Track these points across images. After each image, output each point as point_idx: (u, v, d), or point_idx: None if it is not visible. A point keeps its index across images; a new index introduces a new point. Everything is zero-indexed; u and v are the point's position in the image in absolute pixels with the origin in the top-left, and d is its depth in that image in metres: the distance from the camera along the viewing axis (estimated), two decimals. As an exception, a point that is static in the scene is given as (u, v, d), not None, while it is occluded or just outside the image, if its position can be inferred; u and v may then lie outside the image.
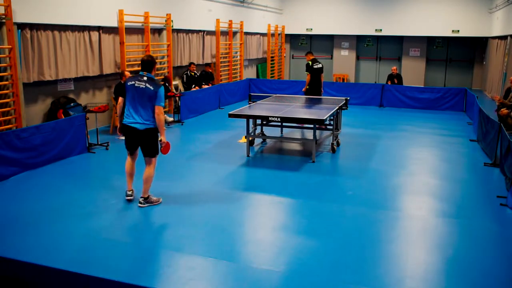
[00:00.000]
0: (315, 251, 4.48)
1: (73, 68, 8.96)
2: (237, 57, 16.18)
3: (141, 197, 5.53)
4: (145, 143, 5.43)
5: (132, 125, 5.36)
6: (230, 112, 7.88)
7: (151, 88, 5.26)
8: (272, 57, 19.29)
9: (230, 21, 15.14)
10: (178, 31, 12.40)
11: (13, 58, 7.47)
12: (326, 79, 20.14)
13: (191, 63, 12.69)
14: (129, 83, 5.39)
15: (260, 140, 9.08)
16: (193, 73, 12.68)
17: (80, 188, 6.21)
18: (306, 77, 10.43)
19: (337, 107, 8.50)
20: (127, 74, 9.40)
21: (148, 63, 5.41)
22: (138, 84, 5.31)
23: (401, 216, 5.48)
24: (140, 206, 5.48)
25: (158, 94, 5.26)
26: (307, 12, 20.12)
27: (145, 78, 5.34)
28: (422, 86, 16.81)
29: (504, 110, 9.66)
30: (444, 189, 6.47)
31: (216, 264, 4.19)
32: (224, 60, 15.19)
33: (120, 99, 5.84)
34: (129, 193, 5.67)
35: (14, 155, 6.53)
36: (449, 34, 18.61)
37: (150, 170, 5.50)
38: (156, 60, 11.41)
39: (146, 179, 5.47)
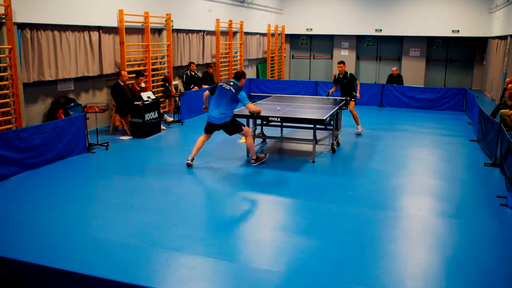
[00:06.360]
0: (315, 251, 4.47)
1: (73, 68, 8.95)
2: (237, 57, 16.17)
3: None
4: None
5: None
6: (230, 112, 7.86)
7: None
8: (272, 57, 19.29)
9: (230, 21, 15.13)
10: (178, 31, 12.40)
11: (13, 58, 7.47)
12: (326, 79, 20.27)
13: (191, 63, 12.67)
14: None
15: (260, 140, 9.08)
16: (193, 73, 12.66)
17: (80, 188, 6.21)
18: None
19: (337, 107, 8.51)
20: (124, 73, 9.39)
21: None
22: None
23: (401, 216, 5.48)
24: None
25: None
26: (307, 12, 20.12)
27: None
28: (422, 86, 16.80)
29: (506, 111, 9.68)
30: (444, 189, 6.47)
31: (216, 264, 4.19)
32: (224, 60, 15.18)
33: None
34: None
35: (14, 155, 6.53)
36: (449, 34, 18.61)
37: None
38: (156, 60, 11.55)
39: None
